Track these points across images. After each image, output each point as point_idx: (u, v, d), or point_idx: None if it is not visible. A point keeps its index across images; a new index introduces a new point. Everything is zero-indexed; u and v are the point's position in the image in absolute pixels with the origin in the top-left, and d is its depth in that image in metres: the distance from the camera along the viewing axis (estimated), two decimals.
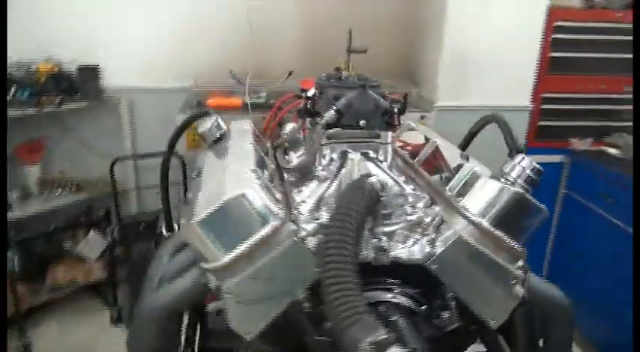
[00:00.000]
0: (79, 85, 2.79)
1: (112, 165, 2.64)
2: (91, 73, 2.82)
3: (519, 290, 0.96)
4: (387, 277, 1.00)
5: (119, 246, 2.77)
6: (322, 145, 1.06)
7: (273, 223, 0.86)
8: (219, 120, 1.25)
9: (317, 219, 0.95)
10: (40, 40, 2.71)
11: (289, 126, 1.43)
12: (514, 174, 0.96)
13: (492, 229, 0.91)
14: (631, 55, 2.85)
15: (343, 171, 1.04)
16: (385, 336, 0.68)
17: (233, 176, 0.97)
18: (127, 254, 2.74)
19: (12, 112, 2.46)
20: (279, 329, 0.94)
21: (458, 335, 1.01)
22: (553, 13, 2.75)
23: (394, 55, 3.11)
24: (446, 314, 0.94)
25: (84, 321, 2.86)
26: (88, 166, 3.01)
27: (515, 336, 1.16)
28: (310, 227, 0.91)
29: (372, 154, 1.08)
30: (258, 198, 0.87)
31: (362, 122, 1.03)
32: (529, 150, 2.57)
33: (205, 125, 1.25)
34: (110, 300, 2.93)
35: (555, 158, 2.96)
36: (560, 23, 2.78)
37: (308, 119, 1.19)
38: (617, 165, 2.65)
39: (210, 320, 1.42)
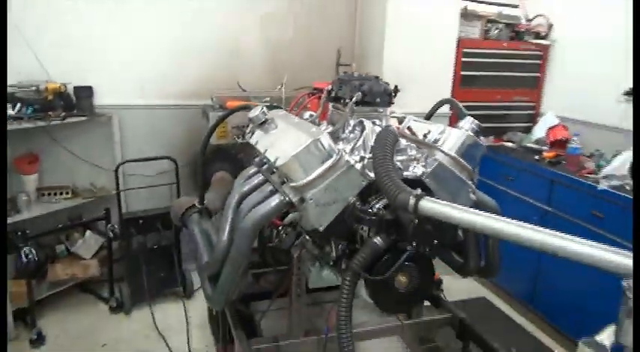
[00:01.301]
0: (75, 102, 3.19)
1: (117, 168, 3.05)
2: (85, 91, 3.23)
3: (472, 196, 1.65)
4: None
5: (119, 240, 3.15)
6: (350, 116, 1.70)
7: (335, 156, 1.47)
8: (265, 108, 1.84)
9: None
10: (41, 64, 3.10)
11: (307, 114, 2.04)
12: (466, 126, 1.67)
13: (458, 157, 1.58)
14: (515, 74, 3.83)
15: (365, 132, 1.67)
16: (420, 192, 1.29)
17: (305, 131, 1.57)
18: (127, 247, 3.12)
19: (22, 125, 2.84)
20: (339, 223, 1.53)
21: None
22: (462, 42, 3.62)
23: None
24: None
25: (84, 312, 3.17)
26: (82, 175, 3.37)
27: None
28: (356, 157, 1.53)
29: (377, 122, 1.73)
30: (326, 141, 1.48)
31: (377, 100, 1.68)
32: None
33: (254, 112, 1.83)
34: (106, 293, 3.27)
35: None
36: (466, 50, 3.64)
37: (331, 103, 1.83)
38: (513, 154, 3.53)
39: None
